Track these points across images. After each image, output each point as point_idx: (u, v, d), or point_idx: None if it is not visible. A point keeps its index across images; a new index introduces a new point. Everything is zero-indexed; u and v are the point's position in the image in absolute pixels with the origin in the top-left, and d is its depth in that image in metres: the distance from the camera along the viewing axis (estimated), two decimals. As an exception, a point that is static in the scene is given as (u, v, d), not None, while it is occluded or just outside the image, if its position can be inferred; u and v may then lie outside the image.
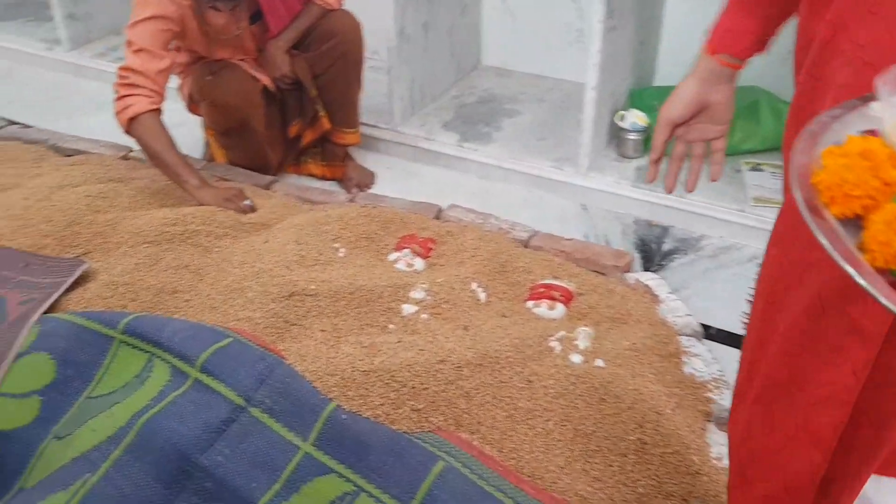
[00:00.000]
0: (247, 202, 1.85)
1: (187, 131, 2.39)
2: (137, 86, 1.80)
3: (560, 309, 1.55)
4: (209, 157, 2.23)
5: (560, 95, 2.66)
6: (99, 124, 2.53)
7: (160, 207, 1.81)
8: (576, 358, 1.33)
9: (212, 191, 1.84)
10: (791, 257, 0.71)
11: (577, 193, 2.19)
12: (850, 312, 0.63)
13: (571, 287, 1.60)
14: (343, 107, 2.17)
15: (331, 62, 2.08)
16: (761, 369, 0.74)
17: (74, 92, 2.86)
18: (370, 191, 2.21)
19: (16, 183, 1.92)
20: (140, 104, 1.79)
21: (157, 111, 1.82)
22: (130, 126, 1.81)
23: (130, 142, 2.16)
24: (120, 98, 1.81)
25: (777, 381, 0.71)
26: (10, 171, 2.02)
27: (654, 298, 1.59)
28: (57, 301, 1.46)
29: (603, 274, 1.70)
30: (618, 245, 1.96)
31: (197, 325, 1.30)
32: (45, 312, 1.42)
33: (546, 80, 2.75)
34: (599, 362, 1.32)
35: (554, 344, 1.37)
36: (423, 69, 2.49)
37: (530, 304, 1.56)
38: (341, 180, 2.26)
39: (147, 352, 1.29)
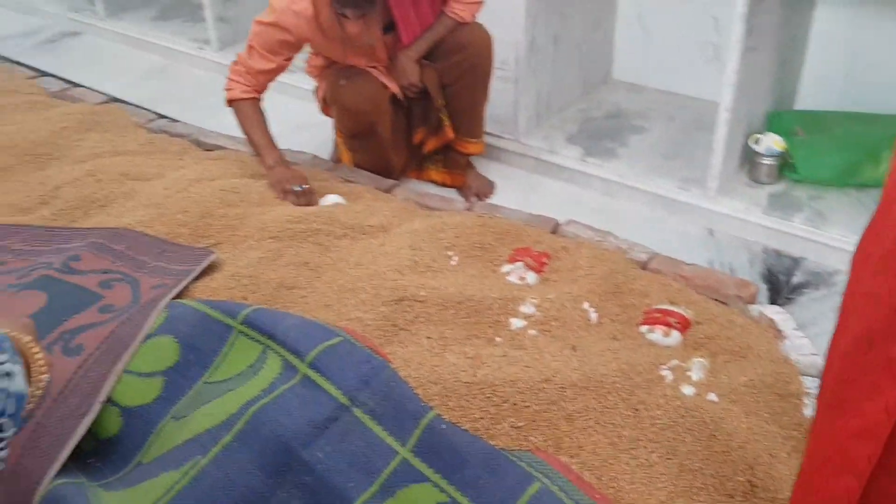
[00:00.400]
0: (297, 187, 1.93)
1: (318, 132, 2.49)
2: (240, 74, 2.01)
3: (675, 336, 1.49)
4: (337, 158, 2.30)
5: (692, 114, 2.57)
6: (238, 122, 2.66)
7: (290, 213, 1.87)
8: (687, 389, 1.28)
9: (276, 171, 1.98)
10: (860, 283, 0.69)
11: (703, 217, 2.12)
12: (889, 351, 0.61)
13: (689, 315, 1.54)
14: (468, 117, 2.19)
15: (459, 73, 2.11)
16: (822, 392, 0.74)
17: (219, 90, 3.02)
18: (489, 200, 2.22)
19: (159, 173, 2.05)
20: (236, 91, 2.02)
21: (253, 99, 2.03)
22: (230, 104, 2.05)
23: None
24: (228, 79, 2.04)
25: (827, 404, 0.71)
26: (155, 162, 2.15)
27: (778, 334, 1.51)
28: (185, 288, 1.55)
29: (724, 303, 1.63)
30: (743, 274, 1.87)
31: (310, 321, 1.33)
32: (174, 298, 1.50)
33: (678, 97, 2.67)
34: (712, 396, 1.26)
35: (665, 373, 1.32)
36: (551, 81, 2.47)
37: (644, 328, 1.52)
38: (461, 188, 2.28)
39: (262, 343, 1.33)
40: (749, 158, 2.16)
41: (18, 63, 3.15)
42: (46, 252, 1.69)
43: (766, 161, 2.11)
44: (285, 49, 1.99)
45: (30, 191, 1.97)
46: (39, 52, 3.41)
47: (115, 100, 2.72)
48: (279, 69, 2.02)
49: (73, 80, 2.98)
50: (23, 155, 2.17)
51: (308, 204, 1.92)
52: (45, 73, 2.98)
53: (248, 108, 2.02)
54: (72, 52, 3.43)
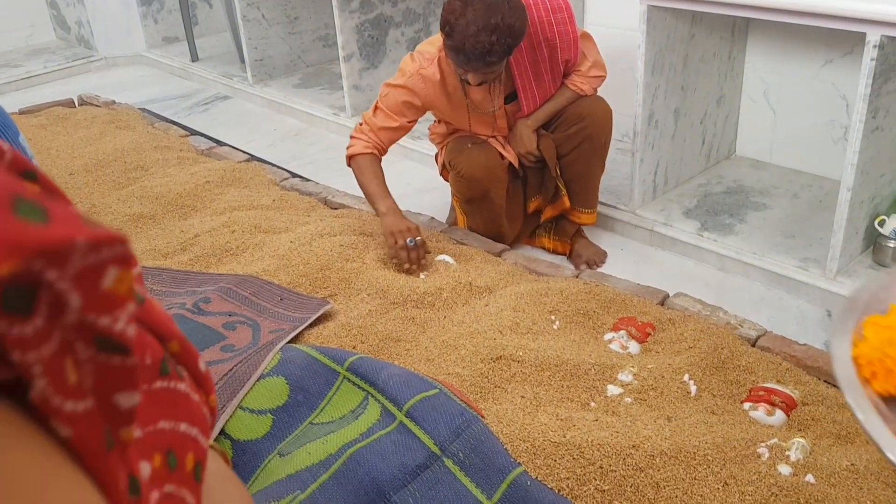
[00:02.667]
0: (409, 241, 1.94)
1: (439, 196, 2.60)
2: (363, 133, 2.09)
3: (779, 416, 1.45)
4: (453, 221, 2.38)
5: (817, 193, 2.51)
6: (364, 183, 2.82)
7: (401, 273, 1.95)
8: (784, 469, 1.24)
9: (390, 220, 2.01)
10: None
11: (822, 298, 2.05)
12: None
13: (796, 395, 1.50)
14: (583, 188, 2.23)
15: (576, 144, 2.16)
16: None
17: (349, 153, 3.21)
18: (599, 269, 2.23)
19: (287, 227, 2.20)
20: (357, 147, 2.09)
21: (373, 155, 2.09)
22: (349, 162, 2.11)
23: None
24: (351, 138, 2.13)
25: None
26: (285, 217, 2.31)
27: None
28: (300, 333, 1.65)
29: (836, 386, 1.57)
30: (861, 358, 1.79)
31: (410, 372, 1.40)
32: (289, 342, 1.61)
33: (804, 175, 2.62)
34: (810, 478, 1.22)
35: (762, 450, 1.29)
36: (671, 154, 2.48)
37: (747, 405, 1.49)
38: (571, 256, 2.31)
39: (364, 390, 1.41)
40: (874, 241, 2.09)
41: (174, 122, 3.47)
42: (181, 293, 1.85)
43: (892, 244, 2.03)
44: (410, 111, 2.08)
45: (172, 238, 2.17)
46: (193, 113, 3.74)
47: (255, 158, 2.94)
48: (402, 130, 2.10)
49: (220, 139, 3.25)
50: (169, 205, 2.38)
51: (418, 258, 1.96)
52: (195, 133, 3.27)
53: (366, 162, 2.08)
54: (221, 113, 3.74)
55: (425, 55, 2.04)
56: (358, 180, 2.10)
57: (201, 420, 0.39)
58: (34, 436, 0.27)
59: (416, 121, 2.14)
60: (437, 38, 2.05)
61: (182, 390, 0.39)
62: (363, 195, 2.13)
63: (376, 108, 2.09)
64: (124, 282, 0.28)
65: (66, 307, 0.26)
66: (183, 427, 0.38)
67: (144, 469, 0.34)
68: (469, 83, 1.97)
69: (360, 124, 2.12)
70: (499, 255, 2.11)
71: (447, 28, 1.84)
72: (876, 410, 0.45)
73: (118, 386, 0.30)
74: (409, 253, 1.96)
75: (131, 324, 0.29)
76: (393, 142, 2.14)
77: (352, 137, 2.12)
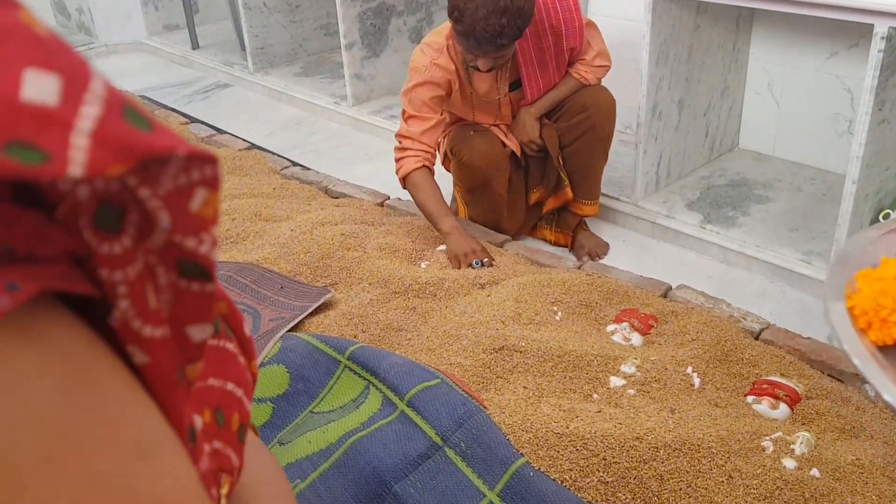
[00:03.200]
0: (476, 263, 1.90)
1: (441, 184, 2.58)
2: (407, 149, 2.01)
3: (783, 409, 1.44)
4: (455, 210, 2.37)
5: (820, 186, 2.50)
6: (366, 173, 2.81)
7: (403, 261, 1.94)
8: (788, 463, 1.23)
9: (455, 238, 1.95)
10: None
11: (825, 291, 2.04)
12: None
13: (800, 389, 1.49)
14: (585, 179, 2.22)
15: (579, 134, 2.14)
16: None
17: (351, 143, 3.19)
18: (601, 261, 2.22)
19: (288, 216, 2.18)
20: (408, 165, 2.01)
21: (425, 167, 2.01)
22: (404, 184, 2.04)
23: (389, 190, 2.38)
24: (396, 160, 2.04)
25: None
26: (286, 205, 2.30)
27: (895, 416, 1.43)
28: (301, 322, 1.64)
29: (840, 381, 1.56)
30: (864, 352, 1.79)
31: (412, 362, 1.39)
32: (289, 331, 1.60)
33: (807, 168, 2.60)
34: (815, 472, 1.21)
35: (767, 444, 1.28)
36: (674, 146, 2.47)
37: (750, 398, 1.48)
38: (573, 248, 2.29)
39: (365, 379, 1.40)
40: (878, 234, 2.07)
41: (174, 110, 3.45)
42: (181, 281, 1.83)
43: (897, 237, 2.02)
44: (438, 104, 2.02)
45: (172, 225, 2.15)
46: (194, 101, 3.72)
47: (256, 147, 2.93)
48: (441, 124, 2.04)
49: (221, 127, 3.24)
50: (169, 193, 2.37)
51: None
52: (196, 120, 3.25)
53: (420, 178, 2.00)
54: (222, 102, 3.72)
55: (434, 46, 2.02)
56: (415, 199, 2.03)
57: (246, 383, 0.39)
58: (113, 357, 0.27)
59: (447, 111, 2.09)
60: (442, 28, 2.04)
61: (231, 350, 0.40)
62: (422, 212, 2.05)
63: (407, 118, 2.02)
64: (211, 205, 0.28)
65: (155, 227, 0.27)
66: (230, 387, 0.38)
67: (197, 422, 0.34)
68: (479, 69, 1.96)
69: (399, 143, 2.04)
70: (501, 245, 2.10)
71: (456, 13, 1.83)
72: (873, 359, 0.45)
73: (193, 316, 0.30)
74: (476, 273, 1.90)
75: (215, 247, 0.29)
76: (437, 139, 2.06)
77: (398, 160, 2.04)
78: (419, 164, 2.00)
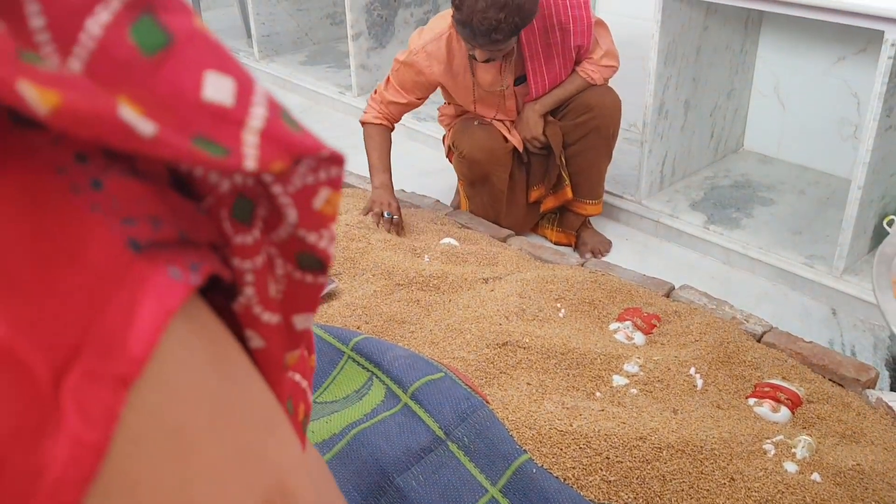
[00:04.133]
0: (386, 214, 2.01)
1: (445, 178, 2.58)
2: (376, 102, 2.15)
3: (784, 413, 1.45)
4: (457, 204, 2.37)
5: (824, 190, 2.50)
6: (369, 163, 2.80)
7: (407, 253, 1.94)
8: (790, 466, 1.24)
9: (376, 192, 2.08)
10: None
11: (827, 296, 2.04)
12: None
13: (801, 393, 1.49)
14: (588, 179, 2.21)
15: (583, 134, 2.14)
16: None
17: (355, 132, 3.18)
18: (604, 259, 2.22)
19: (291, 205, 2.18)
20: (369, 115, 2.15)
21: (382, 126, 2.14)
22: (363, 126, 2.17)
23: (394, 181, 2.37)
24: (367, 104, 2.18)
25: None
26: (289, 194, 2.29)
27: (896, 422, 1.44)
28: (304, 312, 1.64)
29: (841, 385, 1.56)
30: (865, 358, 1.79)
31: (416, 355, 1.38)
32: (293, 320, 1.60)
33: (811, 172, 2.61)
34: (816, 476, 1.21)
35: (768, 447, 1.28)
36: (679, 146, 2.47)
37: (752, 401, 1.48)
38: (575, 247, 2.29)
39: (369, 371, 1.40)
40: (881, 240, 2.08)
41: (179, 96, 3.44)
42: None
43: (900, 244, 2.02)
44: (417, 89, 2.10)
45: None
46: (198, 87, 3.70)
47: (260, 135, 2.92)
48: (410, 106, 2.14)
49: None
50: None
51: (389, 231, 2.01)
52: (200, 107, 3.24)
53: (375, 131, 2.13)
54: (226, 88, 3.71)
55: (434, 31, 2.03)
56: (366, 146, 2.16)
57: (309, 375, 0.42)
58: (235, 340, 0.30)
59: (425, 98, 2.15)
60: (447, 13, 2.03)
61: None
62: (367, 161, 2.17)
63: (388, 80, 2.12)
64: (332, 203, 0.30)
65: (282, 221, 0.29)
66: (297, 377, 0.40)
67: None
68: (476, 59, 1.96)
69: (374, 93, 2.15)
70: (504, 240, 2.10)
71: (457, 1, 1.83)
72: None
73: (301, 305, 0.32)
74: (381, 222, 2.01)
75: (332, 242, 0.31)
76: (402, 115, 2.18)
77: (368, 105, 2.18)
78: (377, 121, 2.13)
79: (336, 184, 0.30)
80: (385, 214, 2.01)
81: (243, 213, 0.28)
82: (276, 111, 0.27)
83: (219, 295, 0.29)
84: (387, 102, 2.12)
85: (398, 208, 2.05)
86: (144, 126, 0.22)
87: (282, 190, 0.28)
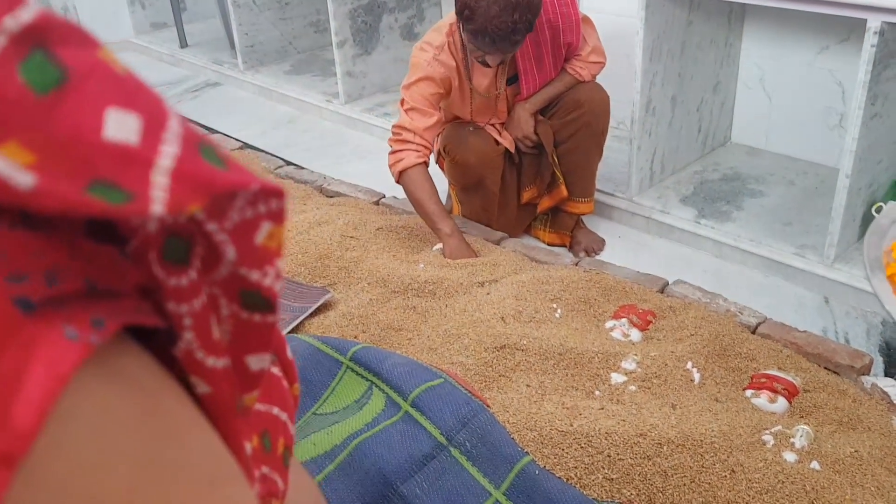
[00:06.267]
0: None
1: (436, 182, 2.58)
2: (407, 141, 1.97)
3: (781, 403, 1.46)
4: (449, 209, 2.37)
5: (813, 180, 2.52)
6: (360, 171, 2.80)
7: (402, 260, 1.94)
8: (789, 456, 1.25)
9: (454, 242, 1.94)
10: None
11: (819, 285, 2.06)
12: None
13: (797, 382, 1.50)
14: (580, 177, 2.22)
15: (573, 132, 2.15)
16: None
17: (344, 141, 3.19)
18: (597, 257, 2.23)
19: (284, 216, 2.18)
20: (409, 159, 1.96)
21: (424, 164, 1.98)
22: (400, 178, 1.99)
23: (384, 189, 2.38)
24: (393, 153, 1.99)
25: None
26: (280, 205, 2.29)
27: (892, 407, 1.45)
28: (301, 323, 1.64)
29: (836, 373, 1.58)
30: (859, 345, 1.81)
31: (414, 362, 1.39)
32: (290, 332, 1.60)
33: (799, 162, 2.62)
34: (815, 465, 1.23)
35: (767, 438, 1.29)
36: (667, 142, 2.48)
37: (749, 392, 1.49)
38: (569, 246, 2.30)
39: (368, 380, 1.40)
40: (871, 227, 2.09)
41: (166, 110, 3.43)
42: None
43: (890, 230, 2.04)
44: (438, 101, 2.01)
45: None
46: (183, 100, 3.71)
47: (248, 146, 2.92)
48: (439, 123, 2.02)
49: (212, 126, 3.23)
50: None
51: None
52: (186, 120, 3.24)
53: (418, 175, 1.96)
54: (212, 100, 3.71)
55: (434, 43, 2.00)
56: (413, 196, 1.99)
57: (289, 406, 0.40)
58: (179, 388, 0.28)
59: (443, 111, 2.08)
60: (441, 26, 2.03)
61: (275, 373, 0.40)
62: (417, 211, 2.01)
63: (408, 111, 1.98)
64: (276, 237, 0.28)
65: (221, 260, 0.27)
66: (275, 411, 0.38)
67: (246, 447, 0.35)
68: (487, 64, 1.95)
69: (396, 136, 1.99)
70: (497, 242, 2.11)
71: (466, 12, 1.81)
72: None
73: (252, 346, 0.30)
74: None
75: (278, 280, 0.29)
76: (435, 137, 2.05)
77: (395, 152, 1.99)
78: (420, 160, 1.97)
79: (278, 217, 0.28)
80: None
81: (177, 254, 0.26)
82: (193, 147, 0.24)
83: (162, 337, 0.27)
84: (423, 131, 1.96)
85: (477, 254, 1.95)
86: (22, 178, 0.20)
87: (217, 227, 0.26)
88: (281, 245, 0.29)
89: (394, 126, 2.01)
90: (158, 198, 0.23)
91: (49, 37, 0.22)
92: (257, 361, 0.31)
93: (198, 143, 0.25)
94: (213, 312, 0.28)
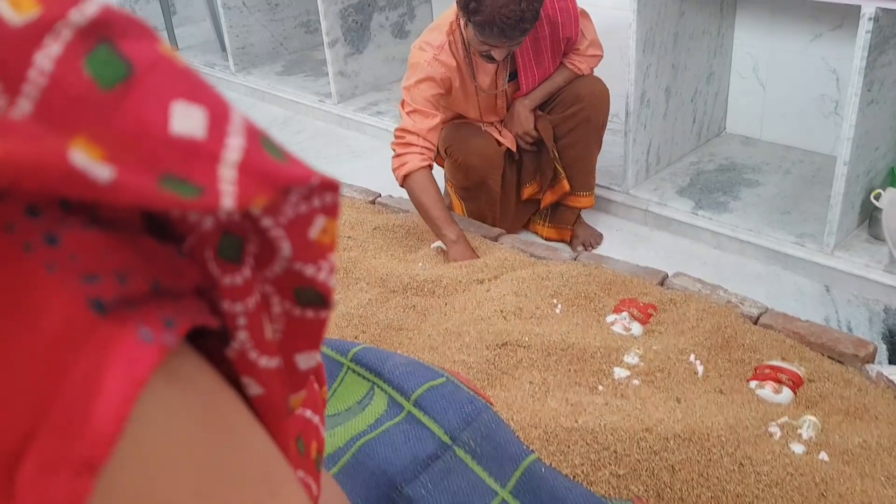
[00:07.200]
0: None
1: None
2: (411, 144, 1.94)
3: (786, 394, 1.45)
4: (449, 206, 2.36)
5: (809, 168, 2.51)
6: (354, 170, 2.79)
7: (400, 259, 1.93)
8: (797, 447, 1.24)
9: (460, 250, 1.91)
10: None
11: (819, 273, 2.05)
12: None
13: (801, 372, 1.50)
14: (580, 171, 2.21)
15: (573, 126, 2.13)
16: None
17: (337, 140, 3.18)
18: (596, 251, 2.22)
19: (279, 217, 2.16)
20: (413, 162, 1.94)
21: (429, 167, 1.96)
22: (405, 182, 1.97)
23: (379, 188, 2.36)
24: (397, 156, 1.97)
25: None
26: (276, 206, 2.27)
27: (898, 395, 1.44)
28: (300, 325, 1.63)
29: (840, 362, 1.57)
30: (862, 333, 1.80)
31: (416, 361, 1.38)
32: (289, 334, 1.58)
33: (795, 151, 2.61)
34: (823, 456, 1.22)
35: (774, 429, 1.28)
36: (662, 134, 2.47)
37: (753, 384, 1.48)
38: (568, 242, 2.29)
39: (370, 381, 1.39)
40: (870, 215, 2.09)
41: (158, 114, 3.41)
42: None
43: (889, 217, 2.03)
44: (439, 102, 1.99)
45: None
46: (176, 105, 3.68)
47: (242, 148, 2.90)
48: (441, 124, 2.00)
49: (206, 130, 3.20)
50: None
51: None
52: (180, 124, 3.22)
53: (424, 179, 1.93)
54: (205, 104, 3.68)
55: (434, 43, 1.98)
56: (417, 201, 1.95)
57: (320, 409, 0.39)
58: (232, 390, 0.27)
59: (445, 111, 2.06)
60: (441, 24, 2.01)
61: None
62: (422, 215, 1.98)
63: (410, 113, 1.95)
64: (329, 232, 0.28)
65: (275, 256, 0.27)
66: (308, 413, 0.38)
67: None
68: (493, 60, 1.93)
69: (401, 137, 1.96)
70: (496, 239, 2.09)
71: (473, 4, 1.79)
72: None
73: (303, 344, 0.30)
74: None
75: (332, 274, 0.29)
76: (438, 137, 2.02)
77: (399, 155, 1.96)
78: (425, 164, 1.94)
79: (332, 211, 0.28)
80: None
81: (231, 252, 0.26)
82: (256, 140, 0.24)
83: (213, 339, 0.27)
84: (425, 133, 1.93)
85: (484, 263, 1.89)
86: (100, 171, 0.20)
87: (272, 222, 0.26)
88: (335, 239, 0.28)
89: (396, 129, 1.98)
90: (228, 191, 0.23)
91: (113, 30, 0.22)
92: (306, 360, 0.31)
93: (259, 135, 0.25)
94: (265, 311, 0.28)
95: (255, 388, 0.28)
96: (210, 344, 0.27)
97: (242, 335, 0.27)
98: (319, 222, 0.27)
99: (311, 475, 0.37)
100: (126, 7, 4.47)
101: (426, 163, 1.94)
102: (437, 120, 1.95)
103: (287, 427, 0.31)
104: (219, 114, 0.23)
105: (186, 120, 0.22)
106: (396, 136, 1.98)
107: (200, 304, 0.26)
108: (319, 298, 0.29)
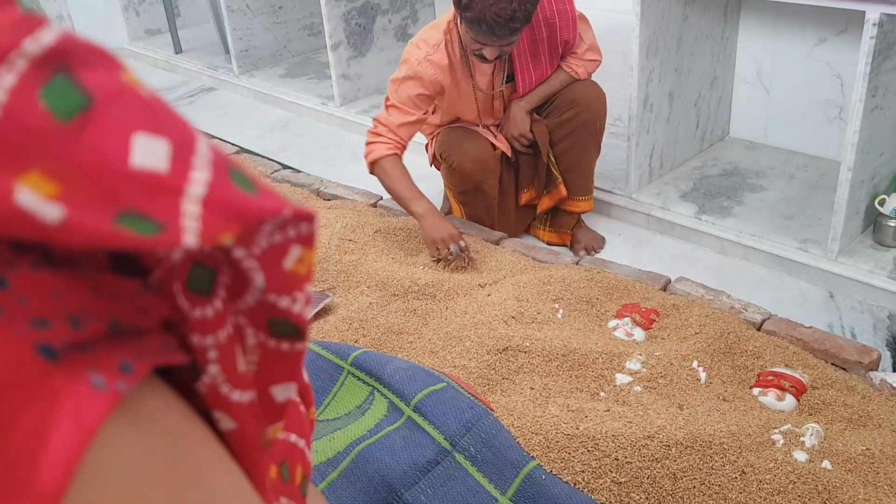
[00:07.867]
0: (454, 248, 1.87)
1: (432, 184, 2.56)
2: (380, 135, 1.99)
3: (790, 401, 1.44)
4: (447, 210, 2.35)
5: (814, 173, 2.50)
6: (356, 173, 2.78)
7: (401, 262, 1.92)
8: (800, 455, 1.23)
9: (429, 223, 1.92)
10: None
11: (823, 279, 2.04)
12: None
13: (805, 379, 1.48)
14: (578, 175, 2.20)
15: (569, 130, 2.12)
16: None
17: (340, 143, 3.17)
18: (598, 255, 2.21)
19: (281, 220, 2.16)
20: (378, 150, 1.98)
21: (396, 156, 1.99)
22: (373, 169, 2.01)
23: (381, 191, 2.36)
24: (367, 144, 2.02)
25: None
26: (277, 209, 2.27)
27: (902, 403, 1.43)
28: (300, 329, 1.62)
29: (844, 369, 1.56)
30: (866, 340, 1.79)
31: (416, 366, 1.37)
32: (289, 338, 1.58)
33: (799, 156, 2.60)
34: (826, 464, 1.20)
35: (777, 437, 1.27)
36: (665, 138, 2.46)
37: (756, 391, 1.47)
38: (569, 246, 2.28)
39: (370, 385, 1.38)
40: (874, 220, 2.08)
41: (161, 116, 3.41)
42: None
43: (892, 223, 2.02)
44: (423, 102, 2.00)
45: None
46: (178, 106, 3.67)
47: (244, 151, 2.90)
48: (419, 123, 2.02)
49: (208, 131, 3.20)
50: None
51: (464, 262, 1.88)
52: (183, 126, 3.21)
53: (390, 164, 1.97)
54: (207, 106, 3.69)
55: (430, 42, 1.98)
56: (385, 185, 2.00)
57: (306, 432, 0.38)
58: (203, 426, 0.26)
59: (429, 112, 2.06)
60: (440, 23, 2.01)
61: (294, 399, 0.38)
62: (393, 198, 2.03)
63: (388, 106, 1.99)
64: (305, 262, 0.27)
65: (248, 287, 0.26)
66: (293, 438, 0.37)
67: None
68: (486, 59, 1.92)
69: (374, 127, 2.01)
70: (497, 243, 2.09)
71: (465, 1, 1.80)
72: None
73: (279, 376, 0.29)
74: (455, 262, 1.89)
75: (308, 306, 0.28)
76: (412, 136, 2.05)
77: (369, 143, 2.01)
78: (390, 152, 1.97)
79: (308, 241, 0.27)
80: (452, 249, 1.87)
81: (201, 284, 0.25)
82: (224, 173, 0.23)
83: (185, 370, 0.26)
84: (396, 127, 1.97)
85: (460, 234, 1.92)
86: (49, 211, 0.19)
87: (245, 253, 0.25)
88: (311, 270, 0.27)
89: (374, 119, 2.04)
90: (191, 228, 0.22)
91: (72, 60, 0.21)
92: (283, 392, 0.30)
93: (228, 167, 0.24)
94: (239, 343, 0.27)
95: (227, 423, 0.27)
96: (183, 375, 0.26)
97: (213, 369, 0.26)
98: (294, 252, 0.26)
99: (295, 501, 0.36)
100: (130, 10, 4.46)
101: (392, 151, 1.98)
102: (412, 118, 1.98)
103: (262, 461, 0.30)
104: (183, 146, 0.22)
105: (148, 153, 0.21)
106: (372, 126, 2.03)
107: (167, 340, 0.25)
108: (294, 330, 0.28)
